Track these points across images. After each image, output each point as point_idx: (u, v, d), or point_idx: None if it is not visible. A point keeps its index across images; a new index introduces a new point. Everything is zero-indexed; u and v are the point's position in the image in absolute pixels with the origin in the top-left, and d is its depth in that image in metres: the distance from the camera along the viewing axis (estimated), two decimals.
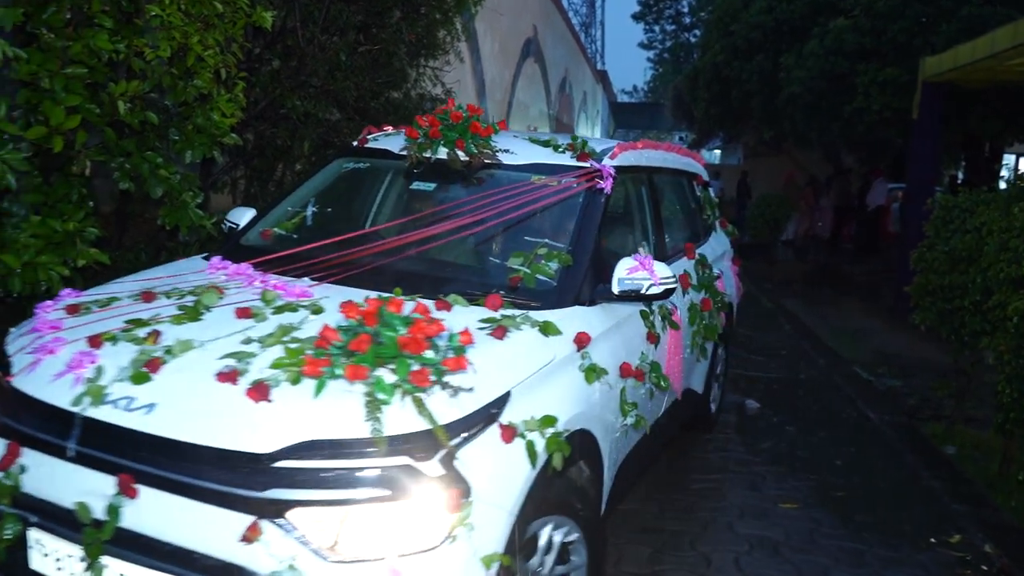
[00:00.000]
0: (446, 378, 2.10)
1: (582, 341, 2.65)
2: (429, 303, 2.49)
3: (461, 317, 2.45)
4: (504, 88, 18.44)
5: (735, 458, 5.08)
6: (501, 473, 2.14)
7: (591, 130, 36.64)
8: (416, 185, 3.52)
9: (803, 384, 7.04)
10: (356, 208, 3.76)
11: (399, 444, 1.95)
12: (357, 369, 2.03)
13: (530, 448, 2.20)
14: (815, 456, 5.20)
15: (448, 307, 2.54)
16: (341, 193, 3.80)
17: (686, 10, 44.39)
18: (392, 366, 2.07)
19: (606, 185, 3.21)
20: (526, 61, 20.83)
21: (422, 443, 1.98)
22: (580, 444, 2.58)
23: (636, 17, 46.15)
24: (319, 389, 2.02)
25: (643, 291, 2.91)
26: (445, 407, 2.06)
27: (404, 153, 3.46)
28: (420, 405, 2.01)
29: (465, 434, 2.07)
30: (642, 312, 3.24)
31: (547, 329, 2.55)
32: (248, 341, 2.25)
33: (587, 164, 3.30)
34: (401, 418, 1.99)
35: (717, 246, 5.19)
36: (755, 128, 17.62)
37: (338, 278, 2.78)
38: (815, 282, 13.53)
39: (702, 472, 4.82)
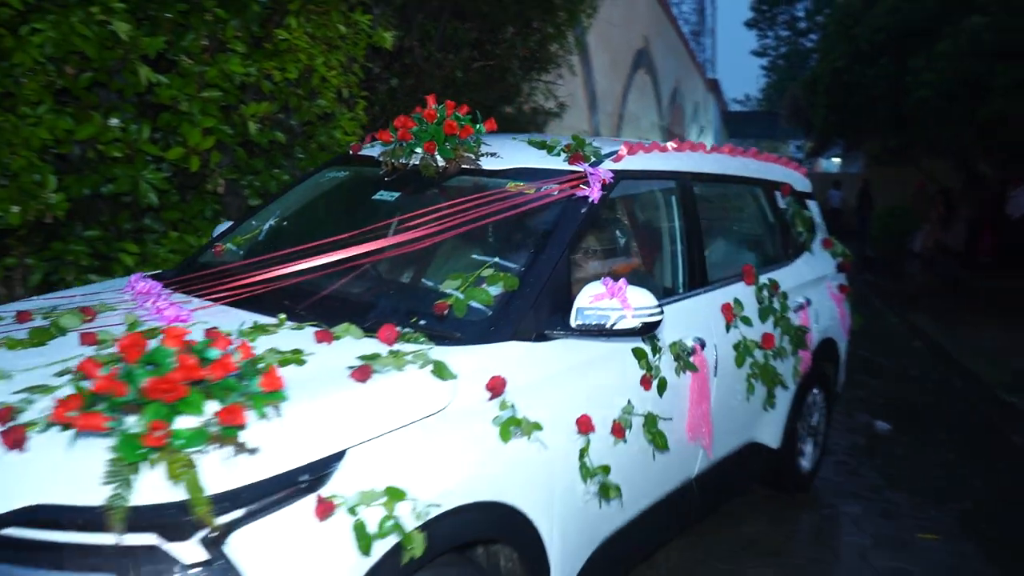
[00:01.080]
0: (234, 434, 1.63)
1: (495, 388, 2.10)
2: (308, 332, 2.13)
3: (341, 351, 2.03)
4: (615, 100, 18.33)
5: (867, 483, 4.79)
6: (308, 563, 1.66)
7: (702, 140, 35.96)
8: (379, 195, 3.01)
9: (937, 406, 6.60)
10: (318, 221, 3.31)
11: (145, 518, 1.54)
12: (89, 418, 1.56)
13: (359, 530, 1.71)
14: (954, 483, 4.85)
15: (329, 338, 2.10)
16: (311, 205, 3.34)
17: (801, 15, 43.05)
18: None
19: (591, 192, 2.64)
20: (637, 72, 20.66)
21: (177, 518, 1.55)
22: (493, 522, 2.11)
23: (749, 24, 45.09)
24: (74, 439, 1.62)
25: (608, 325, 2.33)
26: (219, 472, 1.59)
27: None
28: (180, 469, 1.56)
29: (249, 508, 1.61)
30: (636, 351, 2.64)
31: (440, 371, 2.01)
32: (63, 373, 1.88)
33: (580, 168, 2.75)
34: (152, 485, 1.55)
35: (808, 270, 4.21)
36: (878, 135, 16.83)
37: (229, 300, 2.44)
38: (947, 297, 12.74)
39: (833, 496, 4.56)
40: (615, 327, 2.32)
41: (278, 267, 2.47)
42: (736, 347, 3.26)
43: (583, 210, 2.62)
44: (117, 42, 3.27)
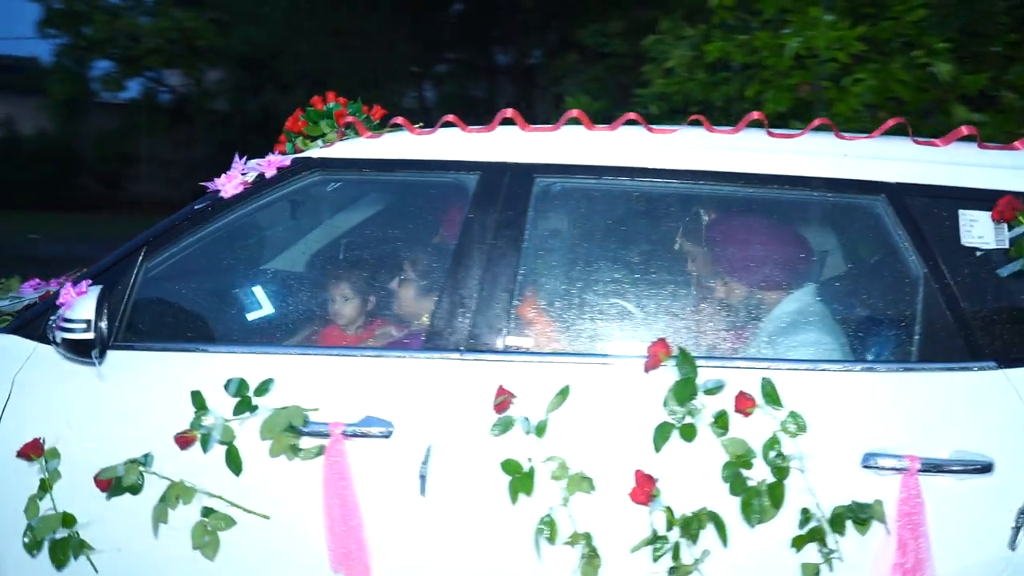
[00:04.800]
0: None
1: None
2: None
3: None
4: None
5: None
6: None
7: None
8: None
9: None
10: None
11: None
12: None
13: None
14: None
15: None
16: None
17: None
18: None
19: (217, 184, 2.09)
20: None
21: None
22: None
23: None
24: None
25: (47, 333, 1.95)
26: None
27: None
28: None
29: None
30: (195, 395, 1.82)
31: None
32: None
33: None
34: None
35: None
36: None
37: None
38: None
39: None
40: (54, 337, 1.88)
41: None
42: (509, 468, 1.71)
43: (197, 206, 2.08)
44: (934, 83, 3.22)
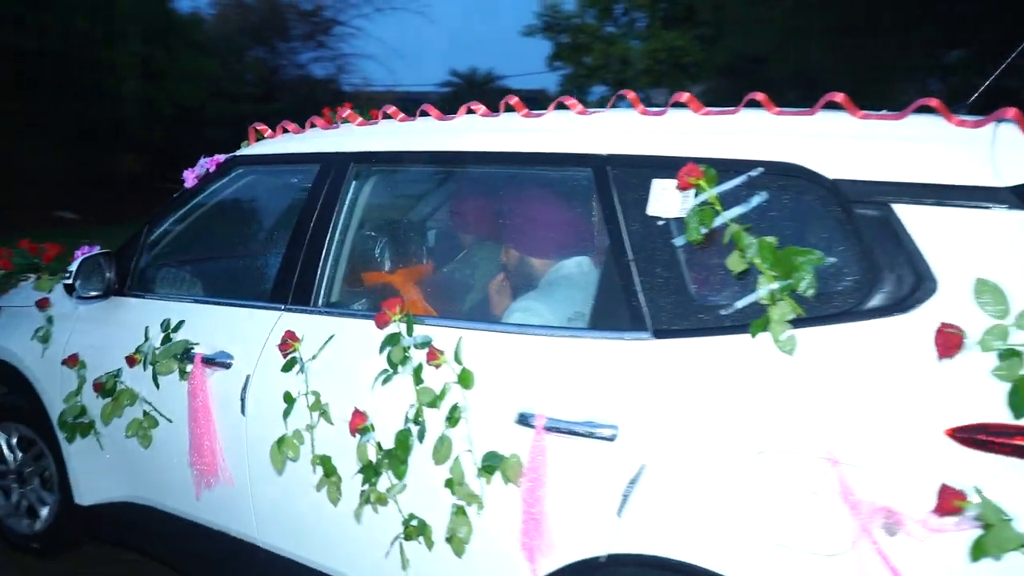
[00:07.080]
0: None
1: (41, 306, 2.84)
2: None
3: None
4: None
5: None
6: None
7: None
8: None
9: None
10: None
11: None
12: None
13: None
14: None
15: None
16: None
17: None
18: None
19: (185, 178, 2.72)
20: None
21: None
22: None
23: None
24: None
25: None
26: None
27: None
28: None
29: None
30: (145, 331, 2.48)
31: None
32: None
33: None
34: None
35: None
36: None
37: None
38: None
39: None
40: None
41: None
42: (285, 397, 2.14)
43: (175, 195, 2.75)
44: None
